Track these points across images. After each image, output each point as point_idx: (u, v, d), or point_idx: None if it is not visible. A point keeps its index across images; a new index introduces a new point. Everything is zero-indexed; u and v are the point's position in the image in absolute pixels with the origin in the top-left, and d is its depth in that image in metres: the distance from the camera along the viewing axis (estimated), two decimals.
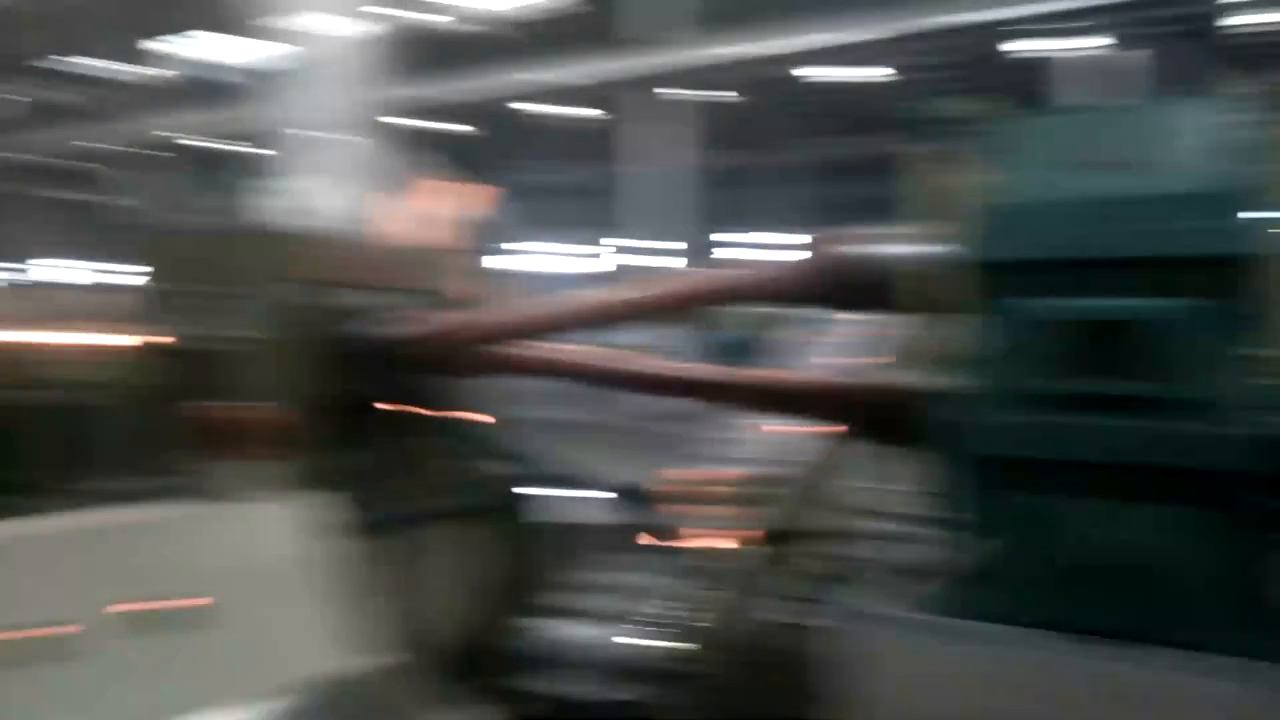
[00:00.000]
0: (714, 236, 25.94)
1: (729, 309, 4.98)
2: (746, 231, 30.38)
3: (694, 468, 4.10)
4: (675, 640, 3.00)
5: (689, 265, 15.73)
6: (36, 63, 22.46)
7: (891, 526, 2.93)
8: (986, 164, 2.33)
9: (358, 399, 3.63)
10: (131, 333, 3.64)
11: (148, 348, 3.51)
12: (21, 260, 24.66)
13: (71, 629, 1.30)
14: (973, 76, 15.44)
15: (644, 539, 3.34)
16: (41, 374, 4.67)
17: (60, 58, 22.16)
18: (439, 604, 3.69)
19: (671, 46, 14.87)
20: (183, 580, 1.47)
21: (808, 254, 2.43)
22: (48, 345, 5.09)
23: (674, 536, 3.42)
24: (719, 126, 17.47)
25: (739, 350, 4.97)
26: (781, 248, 27.86)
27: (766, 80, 17.76)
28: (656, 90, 15.23)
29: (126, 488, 3.42)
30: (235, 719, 1.36)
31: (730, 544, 3.52)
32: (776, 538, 3.66)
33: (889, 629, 2.30)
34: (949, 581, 2.34)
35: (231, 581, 1.52)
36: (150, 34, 19.77)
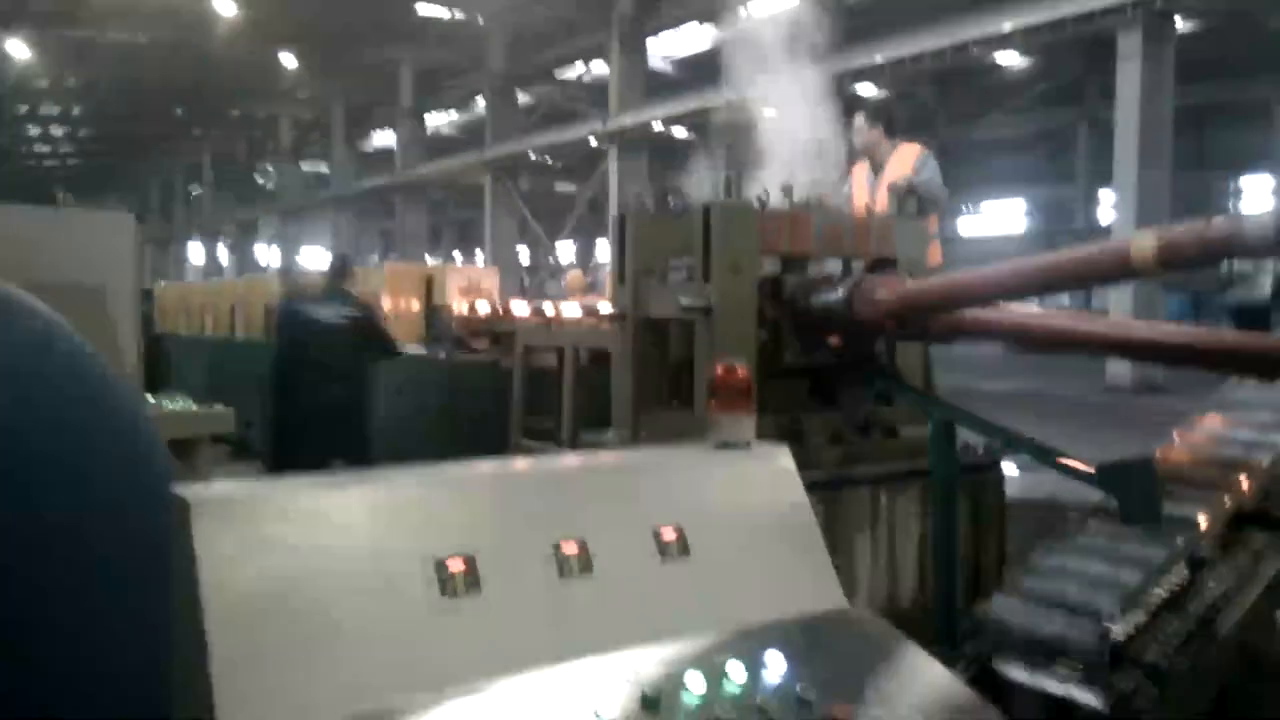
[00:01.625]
0: (1190, 181, 22.74)
1: (1248, 265, 4.42)
2: (1227, 175, 26.23)
3: (1183, 443, 3.74)
4: (1161, 632, 2.78)
5: (1165, 216, 13.96)
6: (555, 71, 25.93)
7: None
8: None
9: (824, 364, 3.83)
10: (617, 304, 4.17)
11: (631, 316, 4.00)
12: (542, 246, 28.64)
13: (573, 548, 1.55)
14: None
15: (1127, 520, 3.12)
16: (553, 341, 5.55)
17: (568, 66, 25.36)
18: (900, 567, 3.78)
19: None
20: (670, 514, 1.68)
21: None
22: (557, 317, 6.01)
23: (1160, 518, 3.16)
24: (1186, 59, 15.21)
25: (1258, 314, 4.39)
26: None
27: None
28: (1109, 26, 13.67)
29: (626, 440, 3.96)
30: (701, 649, 1.56)
31: (1224, 529, 3.18)
32: (1271, 523, 3.24)
33: None
34: None
35: (710, 522, 1.71)
36: (645, 33, 21.83)
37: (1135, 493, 3.05)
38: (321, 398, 5.98)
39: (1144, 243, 2.48)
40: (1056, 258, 2.74)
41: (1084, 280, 2.86)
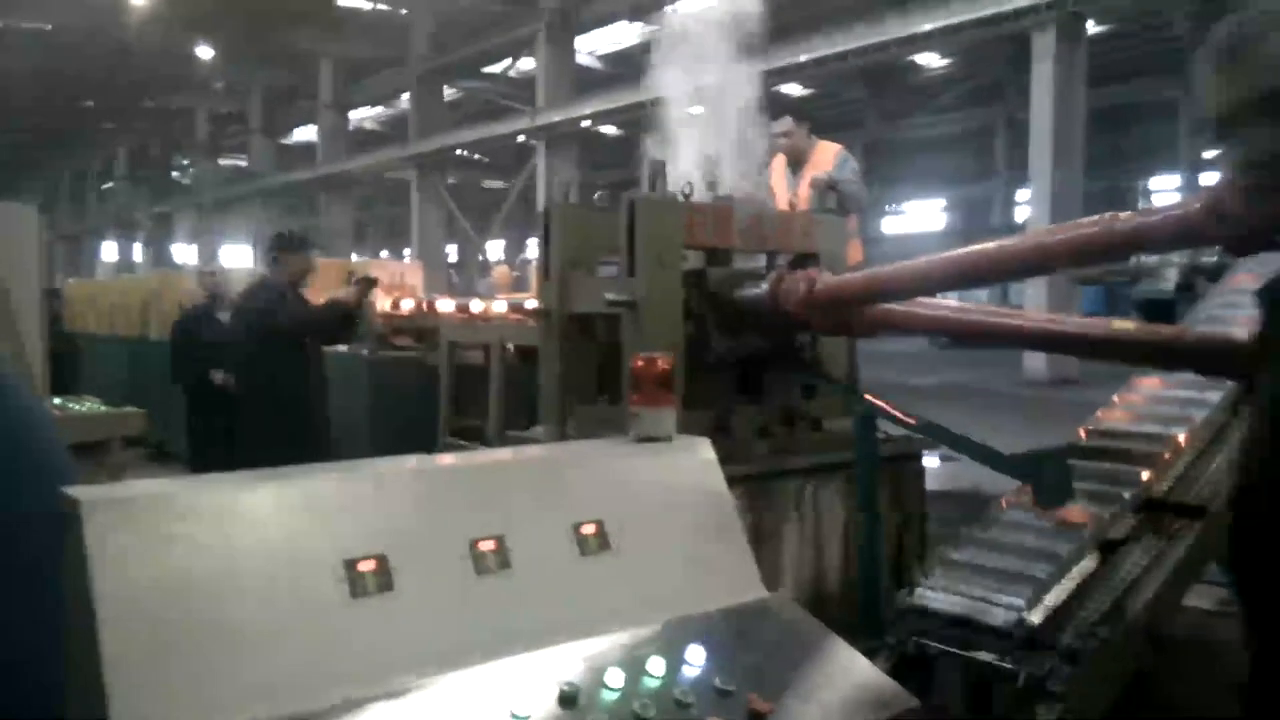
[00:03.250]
0: (1103, 181, 23.54)
1: (1153, 259, 4.56)
2: (1138, 175, 27.20)
3: (1089, 430, 3.86)
4: (1069, 613, 2.87)
5: (1078, 214, 14.41)
6: (482, 66, 25.61)
7: None
8: None
9: (748, 355, 3.85)
10: (543, 300, 4.15)
11: (557, 312, 3.98)
12: (469, 242, 28.25)
13: (490, 545, 1.53)
14: None
15: (1037, 505, 3.21)
16: (483, 339, 5.49)
17: (496, 61, 25.08)
18: (823, 557, 3.83)
19: None
20: (590, 509, 1.67)
21: (1203, 193, 2.17)
22: (484, 313, 5.97)
23: (1068, 504, 3.25)
24: (1100, 62, 15.71)
25: (1162, 306, 4.53)
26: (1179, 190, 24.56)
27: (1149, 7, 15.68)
28: (1025, 27, 14.05)
29: (554, 435, 3.94)
30: (621, 644, 1.55)
31: (1128, 515, 3.29)
32: (1180, 510, 3.36)
33: None
34: None
35: (631, 516, 1.71)
36: (573, 30, 21.73)
37: (1049, 481, 3.14)
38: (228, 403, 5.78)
39: (1054, 238, 2.54)
40: (971, 252, 2.79)
41: (998, 274, 2.92)
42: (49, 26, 23.92)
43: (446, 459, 1.78)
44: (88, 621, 1.19)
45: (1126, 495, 3.35)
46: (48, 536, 1.40)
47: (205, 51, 25.98)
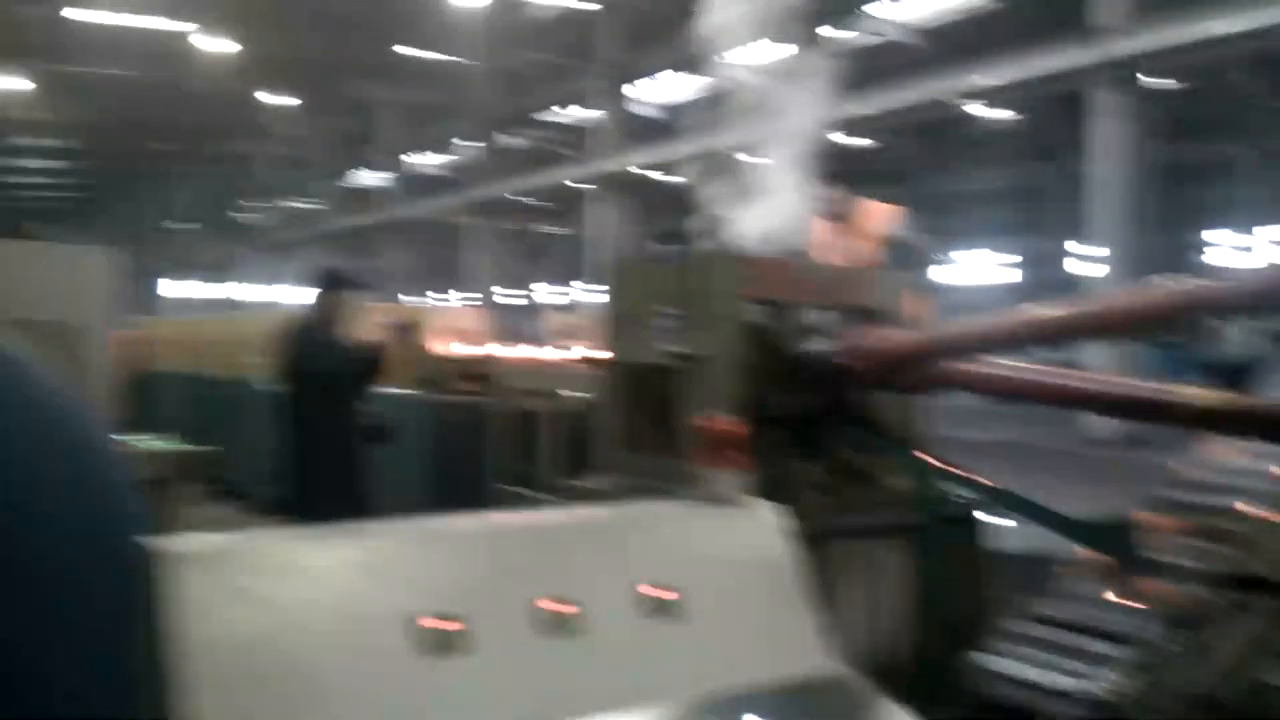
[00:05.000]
0: (1173, 238, 23.17)
1: (1227, 323, 4.45)
2: (1211, 231, 26.72)
3: (1162, 500, 3.74)
4: (1142, 691, 2.76)
5: (1147, 273, 14.14)
6: (536, 115, 26.13)
7: None
8: None
9: (808, 412, 3.81)
10: (604, 349, 4.16)
11: (614, 362, 3.98)
12: (522, 286, 28.68)
13: (569, 610, 1.50)
14: None
15: (1105, 575, 3.10)
16: (539, 385, 5.52)
17: (555, 109, 25.58)
18: (884, 620, 3.73)
19: (1099, 36, 13.58)
20: (657, 572, 1.64)
21: None
22: (545, 361, 6.00)
23: (1139, 575, 3.14)
24: (1166, 117, 15.51)
25: (1237, 371, 4.41)
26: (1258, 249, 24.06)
27: (1217, 64, 15.49)
28: (1088, 84, 13.98)
29: (608, 486, 3.92)
30: (686, 713, 1.51)
31: (1204, 588, 3.17)
32: (1259, 584, 3.23)
33: None
34: None
35: (700, 578, 1.68)
36: (626, 80, 22.05)
37: (1120, 551, 3.04)
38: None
39: (1121, 303, 2.49)
40: (1040, 314, 2.75)
41: (1068, 336, 2.86)
42: (123, 74, 24.87)
43: (514, 517, 1.77)
44: (161, 672, 1.19)
45: (1203, 567, 3.22)
46: (119, 580, 1.40)
47: (272, 99, 26.79)
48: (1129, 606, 3.06)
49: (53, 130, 31.16)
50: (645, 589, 1.58)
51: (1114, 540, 3.03)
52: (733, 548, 1.73)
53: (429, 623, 1.37)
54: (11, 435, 1.84)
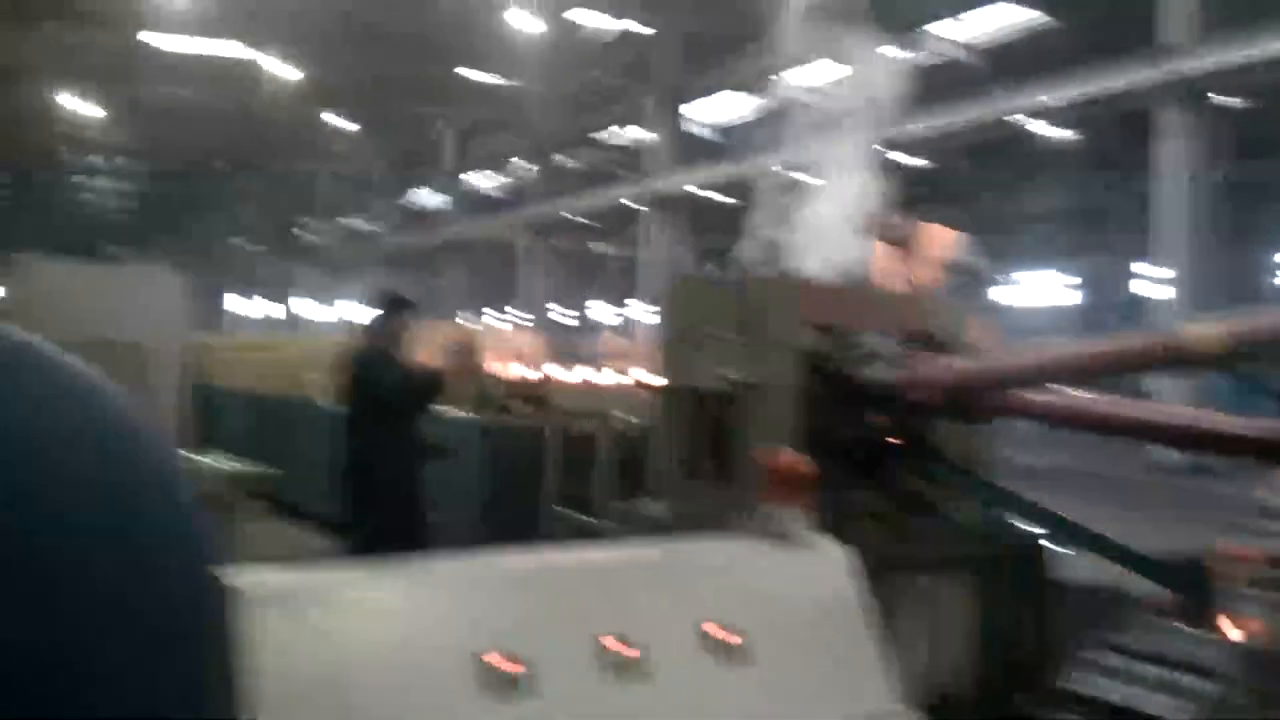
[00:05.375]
0: (1241, 258, 22.54)
1: None
2: (1263, 251, 25.91)
3: (1242, 536, 3.61)
4: None
5: (1215, 294, 13.77)
6: (592, 135, 26.40)
7: None
8: None
9: (868, 441, 3.75)
10: (658, 374, 4.14)
11: (671, 387, 3.96)
12: (579, 307, 28.86)
13: (633, 652, 1.48)
14: None
15: (1182, 615, 3.00)
16: (595, 407, 5.52)
17: (612, 129, 25.80)
18: (948, 654, 3.65)
19: (1165, 55, 13.29)
20: (721, 611, 1.62)
21: None
22: (601, 383, 6.01)
23: (1215, 615, 3.03)
24: (1233, 135, 15.09)
25: None
26: None
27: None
28: (1154, 102, 13.70)
29: (664, 513, 3.90)
30: None
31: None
32: None
33: None
34: None
35: (764, 618, 1.65)
36: (682, 100, 22.17)
37: (1191, 588, 2.94)
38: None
39: (1204, 332, 2.41)
40: (1110, 345, 2.67)
41: (1138, 369, 2.78)
42: (191, 97, 25.63)
43: (577, 553, 1.76)
44: (230, 707, 1.20)
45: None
46: (194, 603, 1.42)
47: (334, 120, 27.39)
48: (1211, 640, 2.95)
49: (125, 151, 32.20)
50: (710, 629, 1.56)
51: (1187, 577, 2.93)
52: (798, 587, 1.70)
53: (493, 660, 1.37)
54: (98, 469, 1.90)
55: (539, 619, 1.46)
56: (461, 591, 1.42)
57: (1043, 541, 3.86)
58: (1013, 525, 3.64)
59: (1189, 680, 2.71)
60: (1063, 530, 3.24)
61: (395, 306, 5.52)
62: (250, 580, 1.30)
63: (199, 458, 5.33)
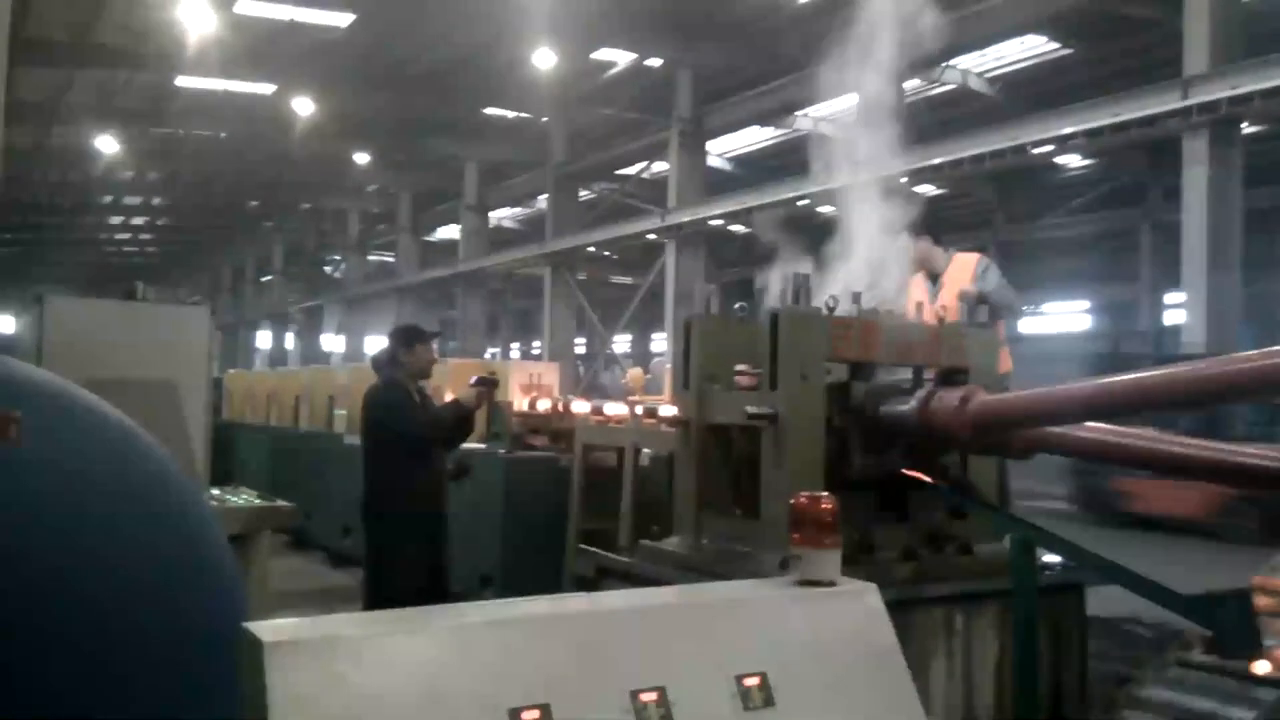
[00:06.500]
0: (1269, 286, 22.29)
1: None
2: None
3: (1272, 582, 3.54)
4: None
5: (1235, 321, 13.60)
6: (615, 168, 26.58)
7: None
8: None
9: (895, 475, 3.71)
10: (681, 409, 4.12)
11: (695, 422, 3.94)
12: (602, 340, 28.86)
13: (652, 697, 1.46)
14: None
15: (1224, 654, 2.94)
16: (617, 441, 5.50)
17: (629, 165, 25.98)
18: (977, 690, 3.59)
19: (1189, 82, 13.24)
20: (753, 660, 1.60)
21: None
22: (623, 416, 5.98)
23: (1257, 646, 2.96)
24: (1260, 163, 14.97)
25: None
26: None
27: None
28: (1175, 130, 13.63)
29: (687, 549, 3.87)
30: None
31: None
32: None
33: None
34: None
35: (795, 669, 1.63)
36: (705, 134, 22.30)
37: (1231, 625, 2.88)
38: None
39: (1247, 365, 2.37)
40: (1144, 378, 2.64)
41: (1178, 405, 2.74)
42: (219, 135, 26.03)
43: (606, 601, 1.75)
44: None
45: None
46: (218, 654, 1.42)
47: (360, 157, 27.74)
48: (1254, 676, 2.89)
49: (155, 189, 32.72)
50: (742, 678, 1.53)
51: (1227, 613, 2.87)
52: (830, 632, 1.68)
53: (523, 715, 1.35)
54: (129, 519, 1.93)
55: (571, 672, 1.44)
56: (490, 643, 1.40)
57: (1074, 576, 3.80)
58: (1042, 561, 3.58)
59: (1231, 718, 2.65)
60: (1095, 565, 3.19)
61: (413, 337, 5.40)
62: (275, 630, 1.30)
63: (226, 494, 5.35)
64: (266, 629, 1.27)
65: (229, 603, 1.64)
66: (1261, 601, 3.22)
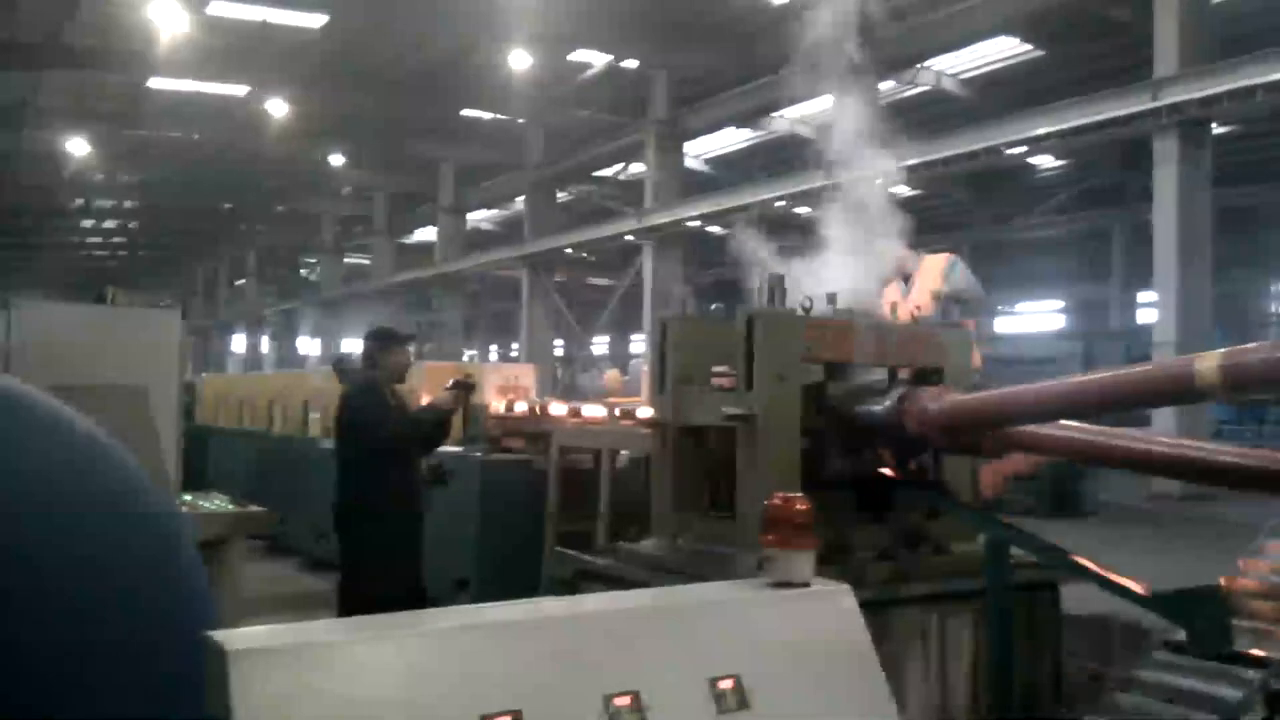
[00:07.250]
0: (1239, 285, 22.60)
1: None
2: (1262, 279, 25.95)
3: (1248, 563, 3.58)
4: None
5: (1206, 319, 13.77)
6: (593, 172, 26.57)
7: None
8: None
9: (871, 476, 3.73)
10: (657, 410, 4.11)
11: (671, 424, 3.93)
12: (580, 341, 28.87)
13: (626, 701, 1.45)
14: None
15: (1193, 646, 2.96)
16: (594, 443, 5.50)
17: (606, 166, 25.99)
18: (953, 690, 3.61)
19: (1160, 83, 13.42)
20: (727, 662, 1.59)
21: None
22: (600, 418, 5.98)
23: (1230, 644, 2.99)
24: (1224, 163, 15.16)
25: None
26: None
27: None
28: (1145, 131, 13.81)
29: (664, 550, 3.86)
30: None
31: None
32: None
33: None
34: None
35: (769, 671, 1.62)
36: (682, 135, 22.32)
37: (1204, 623, 2.90)
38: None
39: (1209, 364, 2.39)
40: (1113, 377, 2.66)
41: (1143, 402, 2.76)
42: (193, 137, 25.79)
43: (579, 605, 1.74)
44: None
45: None
46: (187, 661, 1.40)
47: (335, 159, 27.56)
48: (1228, 673, 2.92)
49: (129, 192, 32.38)
50: (715, 680, 1.53)
51: (1201, 610, 2.89)
52: (804, 634, 1.68)
53: None
54: (96, 531, 1.89)
55: (544, 676, 1.43)
56: (464, 648, 1.39)
57: (1048, 575, 3.82)
58: (1018, 559, 3.60)
59: (1205, 717, 2.67)
60: (1068, 564, 3.21)
61: (387, 339, 5.33)
62: (241, 638, 1.28)
63: (198, 500, 5.29)
64: (232, 637, 1.25)
65: (197, 611, 1.61)
66: (1242, 583, 3.26)
